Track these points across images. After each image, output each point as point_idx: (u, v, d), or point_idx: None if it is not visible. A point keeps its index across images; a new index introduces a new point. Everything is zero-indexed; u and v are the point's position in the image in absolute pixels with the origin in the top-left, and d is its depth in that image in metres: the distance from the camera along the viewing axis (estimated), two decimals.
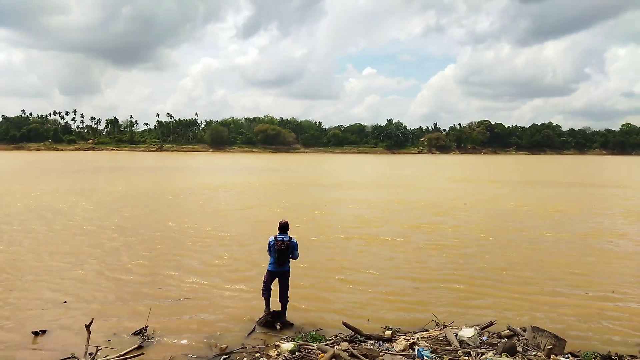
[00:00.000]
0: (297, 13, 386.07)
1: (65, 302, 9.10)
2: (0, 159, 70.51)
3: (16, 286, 10.14)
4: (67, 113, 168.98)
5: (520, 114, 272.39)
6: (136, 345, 7.07)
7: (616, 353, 6.83)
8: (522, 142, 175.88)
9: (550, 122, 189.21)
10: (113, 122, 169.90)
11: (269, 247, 8.17)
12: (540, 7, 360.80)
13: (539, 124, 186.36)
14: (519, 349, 6.42)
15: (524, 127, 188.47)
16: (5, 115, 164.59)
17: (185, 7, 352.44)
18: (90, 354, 6.38)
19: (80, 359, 6.28)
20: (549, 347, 6.39)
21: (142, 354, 6.80)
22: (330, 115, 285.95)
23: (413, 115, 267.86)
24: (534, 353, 6.38)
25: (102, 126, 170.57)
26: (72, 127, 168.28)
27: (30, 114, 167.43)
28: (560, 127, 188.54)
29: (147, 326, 7.73)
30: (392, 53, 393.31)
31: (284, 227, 8.21)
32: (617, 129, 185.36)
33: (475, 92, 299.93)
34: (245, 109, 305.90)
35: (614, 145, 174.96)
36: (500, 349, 6.28)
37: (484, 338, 7.03)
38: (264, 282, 8.27)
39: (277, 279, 8.21)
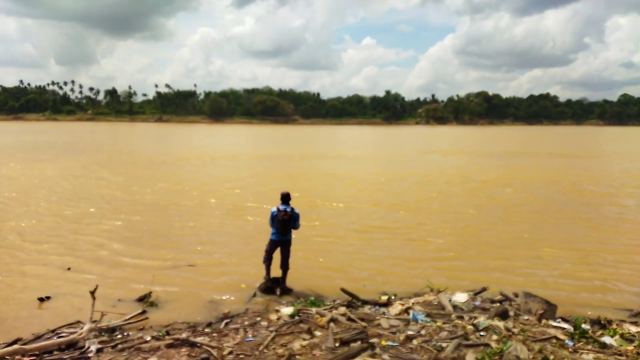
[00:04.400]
0: None
1: (69, 268, 9.31)
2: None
3: (20, 254, 10.32)
4: (65, 83, 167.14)
5: (518, 85, 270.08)
6: (140, 310, 7.28)
7: (605, 318, 7.02)
8: (519, 113, 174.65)
9: (547, 92, 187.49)
10: (112, 93, 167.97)
11: (272, 218, 8.30)
12: None
13: (537, 94, 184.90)
14: (511, 313, 6.62)
15: (521, 98, 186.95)
16: (3, 85, 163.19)
17: None
18: (95, 320, 6.57)
19: (86, 324, 6.47)
20: (541, 312, 6.60)
21: (147, 318, 7.01)
22: (327, 86, 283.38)
23: (411, 87, 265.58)
24: (526, 317, 6.59)
25: (101, 97, 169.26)
26: (71, 97, 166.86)
27: (29, 84, 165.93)
28: (558, 98, 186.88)
29: (151, 292, 7.95)
30: (390, 23, 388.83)
31: (285, 198, 8.34)
32: (615, 100, 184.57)
33: (473, 62, 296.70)
34: (243, 79, 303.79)
35: (611, 115, 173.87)
36: (492, 314, 6.48)
37: (477, 303, 7.24)
38: (266, 250, 8.45)
39: (279, 247, 8.39)
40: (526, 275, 9.45)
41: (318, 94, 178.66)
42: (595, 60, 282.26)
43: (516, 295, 7.43)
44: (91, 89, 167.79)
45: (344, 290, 7.61)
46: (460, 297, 7.14)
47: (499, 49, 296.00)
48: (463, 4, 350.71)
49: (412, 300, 7.47)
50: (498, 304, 7.17)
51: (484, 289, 7.94)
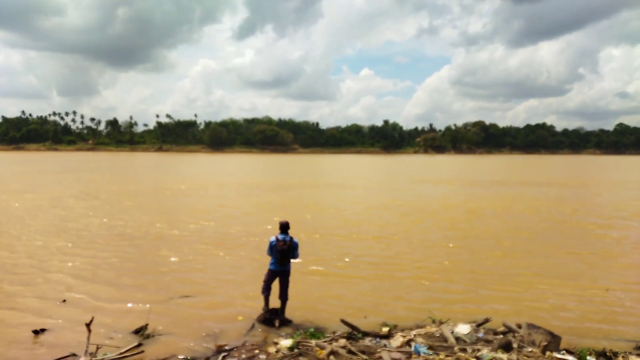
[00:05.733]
0: (293, 15, 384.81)
1: (64, 300, 9.17)
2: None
3: (15, 284, 10.18)
4: (67, 114, 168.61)
5: (514, 115, 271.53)
6: (136, 343, 7.13)
7: (611, 350, 6.89)
8: (516, 142, 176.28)
9: (544, 122, 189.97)
10: (113, 123, 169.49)
11: (270, 247, 8.21)
12: (534, 8, 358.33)
13: (533, 124, 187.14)
14: (515, 345, 6.50)
15: (518, 127, 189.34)
16: (4, 116, 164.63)
17: (181, 8, 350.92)
18: (91, 353, 6.44)
19: (81, 357, 6.34)
20: (544, 343, 6.47)
21: (142, 351, 6.86)
22: (326, 116, 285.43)
23: (408, 116, 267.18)
24: (530, 349, 6.46)
25: (102, 127, 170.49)
26: (72, 127, 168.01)
27: (30, 114, 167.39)
28: (554, 127, 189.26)
29: (147, 324, 7.80)
30: (387, 54, 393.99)
31: (284, 227, 8.25)
32: (611, 129, 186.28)
33: (469, 92, 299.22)
34: (242, 109, 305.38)
35: (608, 145, 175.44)
36: (496, 345, 6.36)
37: (480, 334, 7.11)
38: (264, 281, 8.33)
39: (278, 278, 8.28)
40: (527, 306, 9.31)
41: (317, 124, 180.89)
42: (590, 90, 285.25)
43: (519, 327, 7.31)
44: (92, 119, 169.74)
45: (344, 322, 7.49)
46: (463, 329, 7.02)
47: (494, 79, 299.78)
48: (458, 36, 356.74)
49: (414, 332, 7.34)
50: (501, 336, 7.05)
51: (486, 320, 7.81)
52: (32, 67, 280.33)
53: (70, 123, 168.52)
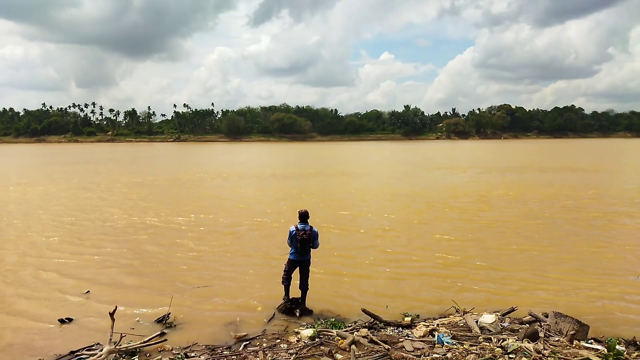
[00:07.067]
0: None
1: (88, 291, 9.30)
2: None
3: (41, 275, 10.41)
4: (86, 105, 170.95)
5: (541, 97, 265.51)
6: (159, 332, 7.20)
7: None
8: (544, 126, 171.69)
9: (572, 105, 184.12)
10: (131, 114, 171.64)
11: (290, 237, 8.14)
12: None
13: (561, 107, 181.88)
14: (541, 334, 6.35)
15: (545, 110, 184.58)
16: (26, 109, 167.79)
17: None
18: (115, 342, 6.50)
19: (105, 345, 6.41)
20: (572, 332, 6.31)
21: (165, 340, 6.91)
22: (345, 102, 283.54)
23: (430, 101, 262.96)
24: (557, 339, 6.31)
25: (120, 118, 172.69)
26: (92, 119, 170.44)
27: (51, 107, 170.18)
28: (583, 110, 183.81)
29: (169, 313, 7.88)
30: (408, 37, 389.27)
31: (304, 216, 8.16)
32: None
33: (494, 75, 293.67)
34: (260, 97, 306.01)
35: (639, 127, 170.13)
36: (522, 335, 6.23)
37: (505, 324, 6.98)
38: (285, 271, 8.29)
39: (298, 267, 8.24)
40: (554, 295, 9.10)
41: (336, 110, 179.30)
42: (620, 71, 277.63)
43: (546, 316, 7.15)
44: (111, 110, 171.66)
45: (365, 311, 7.42)
46: (488, 318, 6.89)
47: (520, 61, 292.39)
48: (481, 16, 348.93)
49: (437, 322, 7.24)
50: (527, 325, 6.89)
51: (512, 309, 7.66)
52: (51, 59, 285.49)
53: (90, 115, 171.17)
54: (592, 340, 6.44)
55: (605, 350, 5.96)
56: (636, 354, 6.06)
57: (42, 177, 33.49)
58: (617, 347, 6.04)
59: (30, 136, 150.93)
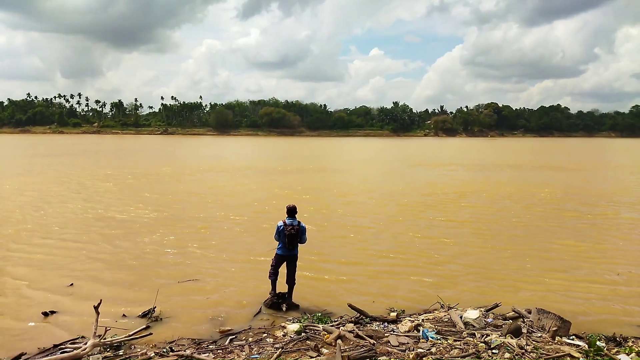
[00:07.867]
0: None
1: (72, 284, 9.20)
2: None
3: (24, 268, 10.27)
4: (72, 96, 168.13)
5: (528, 96, 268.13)
6: (144, 326, 7.17)
7: (621, 335, 6.83)
8: (530, 125, 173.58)
9: (558, 104, 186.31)
10: (118, 106, 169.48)
11: (278, 232, 8.12)
12: None
13: (547, 106, 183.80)
14: (524, 330, 6.43)
15: (532, 109, 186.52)
16: (10, 98, 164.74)
17: None
18: (99, 335, 6.45)
19: (90, 339, 6.36)
20: (554, 328, 6.40)
21: (150, 334, 6.89)
22: (334, 97, 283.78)
23: (419, 98, 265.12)
24: (539, 335, 6.40)
25: (107, 109, 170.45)
26: (77, 110, 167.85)
27: (36, 97, 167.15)
28: (569, 110, 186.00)
29: (155, 307, 7.83)
30: (397, 34, 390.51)
31: (292, 211, 8.15)
32: (627, 112, 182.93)
33: (482, 73, 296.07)
34: (248, 91, 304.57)
35: (623, 127, 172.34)
36: (505, 331, 6.30)
37: (489, 320, 7.06)
38: (272, 265, 8.29)
39: (285, 262, 8.24)
40: (537, 291, 9.24)
41: (325, 106, 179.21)
42: (606, 72, 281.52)
43: (529, 312, 7.25)
44: (97, 101, 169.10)
45: (351, 306, 7.45)
46: (472, 314, 6.96)
47: (508, 59, 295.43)
48: (470, 14, 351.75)
49: (422, 317, 7.30)
50: (510, 321, 6.98)
51: (496, 305, 7.75)
52: (36, 48, 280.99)
53: (76, 105, 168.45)
54: (573, 337, 6.54)
55: (587, 346, 6.06)
56: (616, 349, 6.17)
57: (20, 168, 32.95)
58: (598, 343, 6.13)
59: (15, 126, 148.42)
